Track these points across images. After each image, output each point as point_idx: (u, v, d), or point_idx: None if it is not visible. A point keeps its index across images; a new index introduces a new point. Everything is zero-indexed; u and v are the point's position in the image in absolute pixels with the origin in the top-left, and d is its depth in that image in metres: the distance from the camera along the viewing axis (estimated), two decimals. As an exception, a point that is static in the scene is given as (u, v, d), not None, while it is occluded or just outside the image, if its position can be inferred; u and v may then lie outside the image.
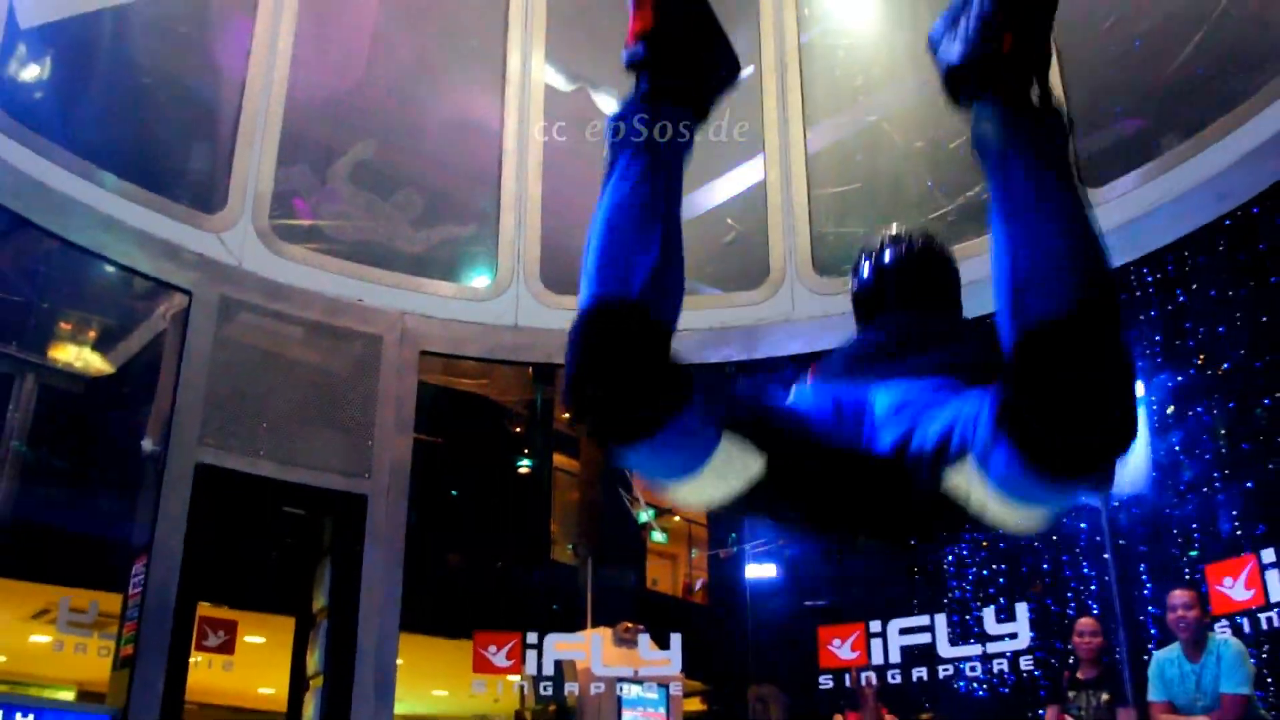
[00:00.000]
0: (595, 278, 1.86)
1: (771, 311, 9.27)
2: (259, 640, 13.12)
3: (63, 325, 9.18)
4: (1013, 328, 1.69)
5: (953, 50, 1.87)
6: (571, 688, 9.91)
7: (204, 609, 10.00)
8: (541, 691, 9.75)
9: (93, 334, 9.27)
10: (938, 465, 2.00)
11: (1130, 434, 1.64)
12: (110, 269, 8.39)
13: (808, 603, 11.26)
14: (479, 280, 9.65)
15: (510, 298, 9.14)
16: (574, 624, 10.59)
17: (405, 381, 8.84)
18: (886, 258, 2.74)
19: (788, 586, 11.62)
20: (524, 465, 14.10)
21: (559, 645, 9.58)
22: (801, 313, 9.18)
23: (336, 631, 8.35)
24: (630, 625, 9.80)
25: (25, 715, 7.09)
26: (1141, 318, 9.27)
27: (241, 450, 8.07)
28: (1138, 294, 9.11)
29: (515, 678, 9.90)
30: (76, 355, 9.14)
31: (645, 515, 14.62)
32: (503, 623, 10.28)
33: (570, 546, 14.38)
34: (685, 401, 1.83)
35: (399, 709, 8.73)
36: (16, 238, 7.87)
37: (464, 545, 12.83)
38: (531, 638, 9.52)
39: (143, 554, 7.62)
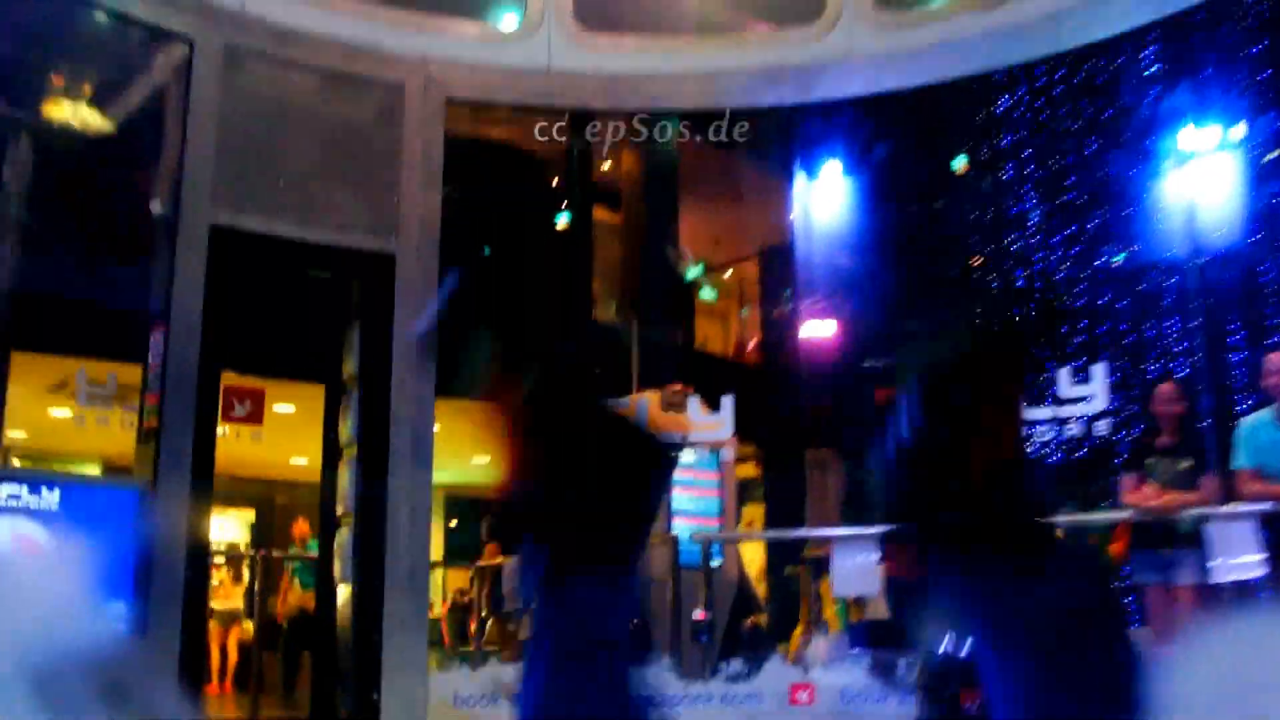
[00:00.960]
0: None
1: (828, 49, 8.96)
2: (288, 409, 13.17)
3: (55, 80, 8.79)
4: None
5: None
6: (618, 452, 9.73)
7: (229, 379, 9.91)
8: (587, 456, 9.56)
9: (88, 89, 8.87)
10: None
11: None
12: (102, 16, 7.93)
13: (865, 363, 10.94)
14: (507, 19, 9.33)
15: (542, 38, 8.86)
16: (619, 387, 10.40)
17: (431, 132, 8.57)
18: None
19: (844, 346, 11.28)
20: (562, 219, 13.66)
21: (605, 409, 9.33)
22: (860, 50, 8.91)
23: (368, 398, 8.30)
24: (679, 387, 9.56)
25: (51, 490, 6.90)
26: (1241, 54, 8.57)
27: (258, 210, 7.90)
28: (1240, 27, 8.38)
29: (559, 441, 9.72)
30: (73, 112, 8.84)
31: (693, 270, 14.28)
32: (546, 386, 10.02)
33: (613, 305, 14.12)
34: None
35: (438, 477, 8.74)
36: (-4, -17, 7.33)
37: (500, 305, 12.54)
38: (576, 402, 9.27)
39: (160, 322, 7.56)
